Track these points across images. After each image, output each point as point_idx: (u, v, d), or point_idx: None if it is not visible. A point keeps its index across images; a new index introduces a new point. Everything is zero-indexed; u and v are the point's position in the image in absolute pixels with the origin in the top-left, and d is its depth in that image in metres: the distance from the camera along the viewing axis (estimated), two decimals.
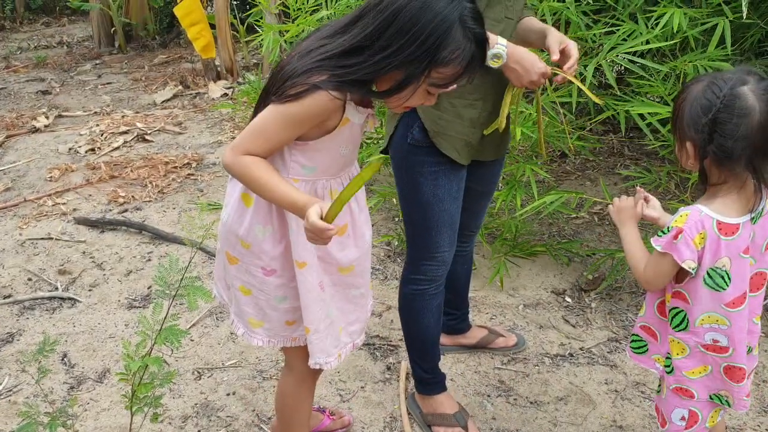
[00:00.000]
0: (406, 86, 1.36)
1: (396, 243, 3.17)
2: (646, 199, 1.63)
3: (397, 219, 3.36)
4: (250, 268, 1.58)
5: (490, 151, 1.97)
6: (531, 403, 2.25)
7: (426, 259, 1.96)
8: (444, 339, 2.39)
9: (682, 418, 1.59)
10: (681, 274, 1.46)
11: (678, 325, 1.51)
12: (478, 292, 2.83)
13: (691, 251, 1.39)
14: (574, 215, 3.27)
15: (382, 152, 1.98)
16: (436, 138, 1.80)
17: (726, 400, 1.54)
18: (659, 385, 1.69)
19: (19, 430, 1.67)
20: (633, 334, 1.66)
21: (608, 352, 2.48)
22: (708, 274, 1.42)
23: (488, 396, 2.28)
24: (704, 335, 1.48)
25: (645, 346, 1.63)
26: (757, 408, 2.21)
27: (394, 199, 3.11)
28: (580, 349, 2.50)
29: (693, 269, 1.41)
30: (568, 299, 2.79)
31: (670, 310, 1.53)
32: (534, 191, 2.69)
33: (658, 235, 1.44)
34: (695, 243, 1.39)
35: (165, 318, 1.64)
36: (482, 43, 1.37)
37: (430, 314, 2.04)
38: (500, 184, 2.83)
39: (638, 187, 1.67)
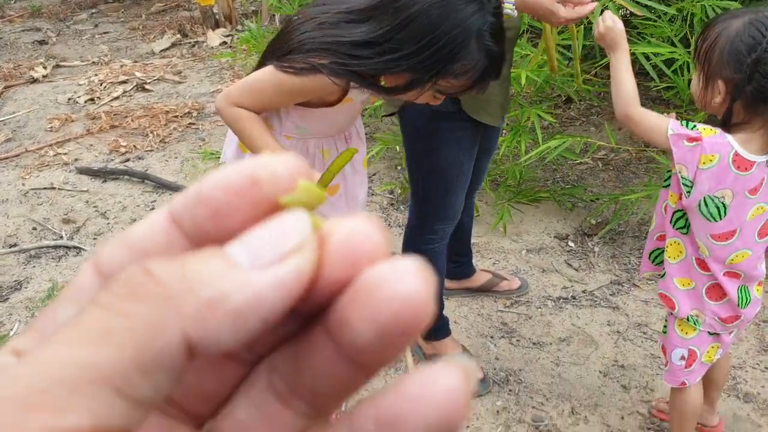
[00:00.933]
0: (411, 89, 1.31)
1: (399, 191, 3.17)
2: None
3: (399, 167, 3.34)
4: None
5: (504, 108, 1.95)
6: (533, 344, 2.28)
7: (440, 219, 1.96)
8: (449, 283, 2.42)
9: (682, 358, 1.61)
10: (679, 191, 1.44)
11: (681, 227, 1.49)
12: (481, 238, 2.84)
13: (690, 162, 1.36)
14: (579, 161, 3.26)
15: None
16: (469, 106, 1.76)
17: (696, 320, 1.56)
18: (665, 326, 1.72)
19: None
20: (649, 252, 1.64)
21: (610, 295, 2.50)
22: (704, 200, 1.40)
23: (491, 338, 2.31)
24: (698, 250, 1.48)
25: (662, 253, 1.60)
26: (757, 347, 2.24)
27: (398, 147, 3.09)
28: (583, 291, 2.52)
29: (672, 172, 1.39)
30: (571, 244, 2.80)
31: (675, 212, 1.49)
32: (538, 136, 2.66)
33: (680, 122, 1.39)
34: (701, 160, 1.36)
35: None
36: (496, 60, 1.31)
37: (439, 267, 2.06)
38: (504, 131, 2.80)
39: (607, 12, 1.50)
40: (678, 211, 1.50)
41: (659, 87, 2.78)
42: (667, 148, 1.39)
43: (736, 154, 1.36)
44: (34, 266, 2.81)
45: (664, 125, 1.39)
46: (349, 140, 1.62)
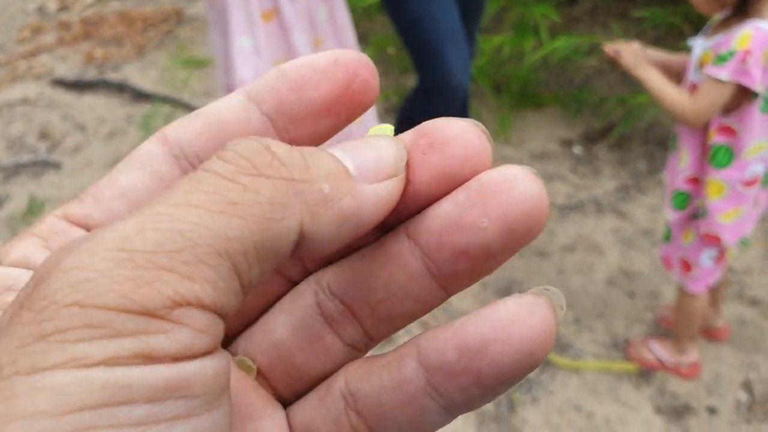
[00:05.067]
0: None
1: (395, 99, 3.02)
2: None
3: (396, 73, 3.18)
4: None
5: None
6: (537, 253, 2.21)
7: (436, 85, 1.84)
8: None
9: (712, 258, 1.58)
10: (732, 105, 1.37)
11: (720, 164, 1.43)
12: None
13: (760, 72, 1.29)
14: (585, 62, 3.11)
15: None
16: None
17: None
18: (668, 235, 1.67)
19: None
20: (674, 191, 1.58)
21: (617, 201, 2.42)
22: (765, 97, 1.34)
23: None
24: (747, 169, 1.42)
25: (686, 198, 1.55)
26: (763, 253, 2.20)
27: (389, 49, 2.93)
28: (588, 198, 2.44)
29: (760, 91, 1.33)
30: (576, 150, 2.70)
31: (712, 148, 1.44)
32: (543, 36, 2.50)
33: (714, 64, 1.32)
34: (764, 59, 1.29)
35: None
36: None
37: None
38: (506, 30, 2.64)
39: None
40: (715, 145, 1.43)
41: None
42: (733, 90, 1.32)
43: None
44: (12, 183, 2.68)
45: (718, 87, 1.33)
46: None
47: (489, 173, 0.18)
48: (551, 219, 2.35)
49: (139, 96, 3.20)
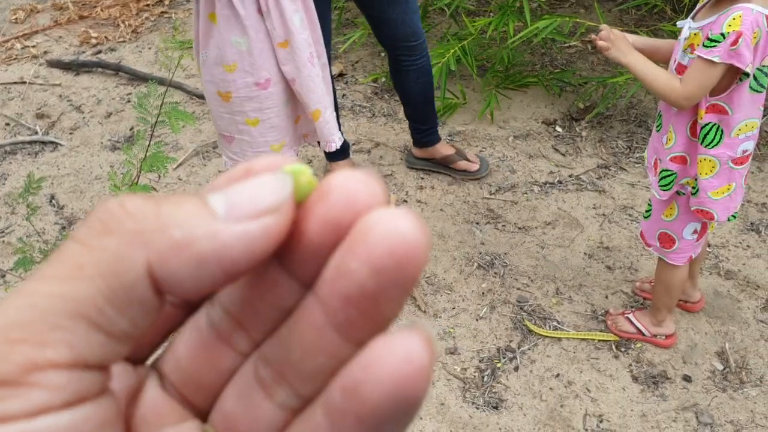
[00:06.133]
0: None
1: (384, 80, 3.08)
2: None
3: (383, 54, 3.23)
4: (245, 92, 1.54)
5: None
6: (519, 228, 2.29)
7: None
8: (415, 151, 2.53)
9: (695, 231, 1.63)
10: (722, 85, 1.40)
11: (711, 142, 1.46)
12: (468, 126, 2.79)
13: (750, 53, 1.32)
14: (567, 44, 3.16)
15: None
16: None
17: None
18: (648, 211, 1.71)
19: (16, 266, 1.69)
20: (662, 170, 1.60)
21: (597, 179, 2.49)
22: (755, 75, 1.37)
23: (477, 224, 2.31)
24: (738, 147, 1.45)
25: (673, 177, 1.58)
26: (740, 226, 2.27)
27: None
28: (569, 176, 2.51)
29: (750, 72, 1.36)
30: (559, 129, 2.76)
31: (702, 128, 1.47)
32: (527, 17, 2.56)
33: (705, 46, 1.35)
34: (753, 40, 1.32)
35: (149, 145, 1.60)
36: None
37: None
38: (491, 12, 2.69)
39: (602, 25, 1.56)
40: (706, 125, 1.46)
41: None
42: (723, 71, 1.34)
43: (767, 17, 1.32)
44: (10, 162, 2.74)
45: (709, 69, 1.35)
46: None
47: (365, 217, 0.18)
48: (534, 195, 2.42)
49: (135, 77, 3.25)
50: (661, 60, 1.54)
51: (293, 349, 0.20)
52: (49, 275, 0.17)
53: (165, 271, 0.18)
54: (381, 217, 0.18)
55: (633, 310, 1.95)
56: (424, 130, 2.46)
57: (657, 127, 1.62)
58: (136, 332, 0.18)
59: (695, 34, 1.42)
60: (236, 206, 0.18)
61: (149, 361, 0.22)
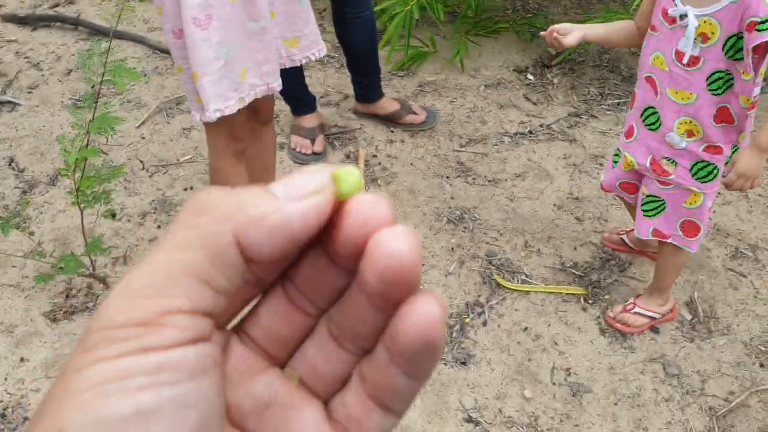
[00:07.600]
0: None
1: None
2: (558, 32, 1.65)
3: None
4: (168, 38, 1.51)
5: None
6: (489, 181, 2.26)
7: None
8: (358, 106, 2.50)
9: (709, 208, 1.64)
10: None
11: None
12: (438, 75, 2.72)
13: None
14: None
15: None
16: None
17: None
18: (654, 208, 1.68)
19: None
20: (695, 162, 1.55)
21: (568, 127, 2.45)
22: None
23: (447, 177, 2.28)
24: (753, 91, 1.45)
25: (713, 166, 1.54)
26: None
27: None
28: (540, 125, 2.46)
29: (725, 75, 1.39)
30: (530, 76, 2.70)
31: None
32: None
33: (759, 30, 1.32)
34: None
35: (95, 107, 1.53)
36: None
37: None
38: None
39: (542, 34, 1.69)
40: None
41: None
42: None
43: None
44: None
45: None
46: None
47: (377, 234, 0.23)
48: (505, 147, 2.38)
49: (95, 31, 3.12)
50: (618, 45, 1.54)
51: (349, 318, 0.26)
52: (165, 248, 0.24)
53: (247, 240, 0.23)
54: (383, 237, 0.23)
55: (632, 302, 1.86)
56: (365, 84, 2.42)
57: (650, 126, 1.57)
58: (231, 288, 0.24)
59: (705, 22, 1.36)
60: (290, 190, 0.24)
61: (230, 326, 0.28)
